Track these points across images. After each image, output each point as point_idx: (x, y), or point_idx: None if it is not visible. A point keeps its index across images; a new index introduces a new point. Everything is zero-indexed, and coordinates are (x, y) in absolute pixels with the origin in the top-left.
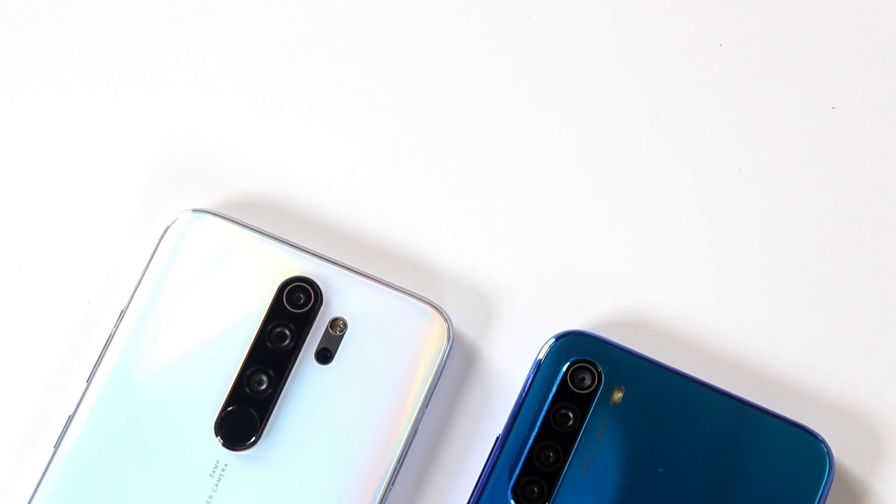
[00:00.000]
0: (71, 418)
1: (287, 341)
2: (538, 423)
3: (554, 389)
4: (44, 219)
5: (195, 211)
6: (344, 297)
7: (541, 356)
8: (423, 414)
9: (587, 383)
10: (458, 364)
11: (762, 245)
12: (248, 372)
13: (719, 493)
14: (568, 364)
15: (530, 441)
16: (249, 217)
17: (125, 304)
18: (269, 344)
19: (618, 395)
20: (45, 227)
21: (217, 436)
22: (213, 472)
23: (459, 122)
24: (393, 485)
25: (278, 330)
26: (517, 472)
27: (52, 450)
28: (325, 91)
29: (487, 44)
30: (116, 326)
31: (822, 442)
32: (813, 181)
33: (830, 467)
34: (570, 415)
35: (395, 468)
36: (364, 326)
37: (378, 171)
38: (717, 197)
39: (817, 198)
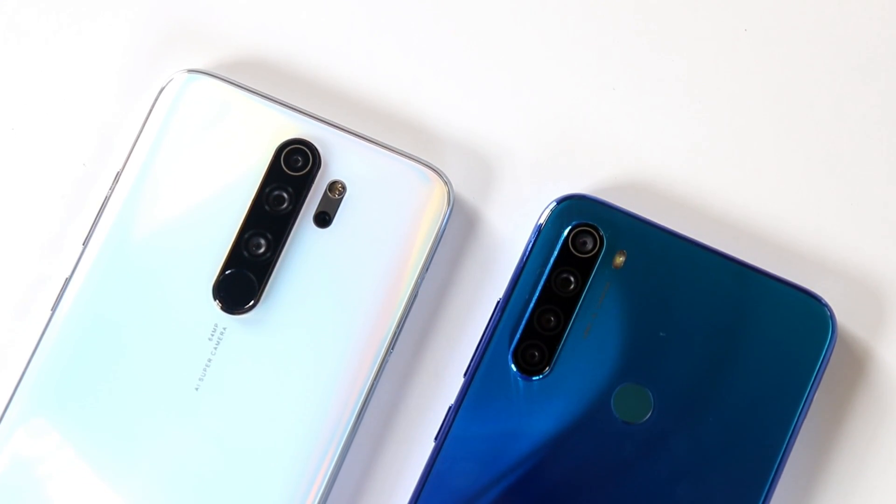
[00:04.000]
0: (68, 281)
1: (285, 204)
2: (539, 288)
3: (555, 253)
4: (37, 78)
5: (190, 71)
6: (343, 160)
7: (542, 220)
8: (423, 278)
9: (589, 247)
10: (458, 228)
11: (768, 107)
12: (246, 235)
13: (721, 357)
14: (569, 228)
15: (531, 305)
16: (246, 78)
17: (121, 166)
18: (266, 207)
19: (619, 259)
20: (39, 86)
21: (215, 299)
22: (212, 335)
23: None
24: (393, 349)
25: (276, 193)
26: (518, 336)
27: (50, 312)
28: None
29: None
30: (112, 189)
31: (825, 305)
32: (821, 41)
33: (833, 331)
34: (572, 279)
35: (395, 333)
36: (363, 190)
37: (377, 32)
38: (723, 58)
39: (825, 58)
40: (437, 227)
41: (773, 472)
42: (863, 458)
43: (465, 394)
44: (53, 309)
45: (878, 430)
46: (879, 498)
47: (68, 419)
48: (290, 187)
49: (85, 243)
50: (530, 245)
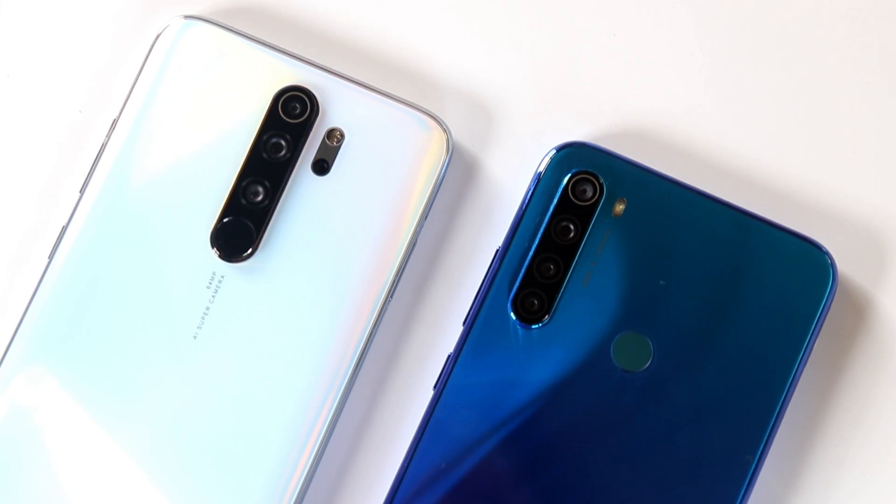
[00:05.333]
0: (65, 229)
1: (283, 152)
2: (538, 236)
3: (555, 201)
4: (32, 25)
5: (187, 18)
6: (341, 108)
7: (541, 168)
8: (422, 226)
9: (588, 195)
10: (457, 176)
11: (770, 55)
12: (244, 183)
13: (721, 305)
14: (569, 176)
15: (530, 253)
16: (243, 24)
17: (117, 114)
18: (264, 155)
19: (619, 207)
20: (34, 33)
21: (213, 247)
22: (210, 283)
23: None
24: (392, 297)
25: (274, 140)
26: (517, 284)
27: (47, 261)
28: None
29: None
30: (108, 136)
31: (826, 253)
32: None
33: (834, 279)
34: (571, 227)
35: (394, 281)
36: (361, 137)
37: None
38: (724, 4)
39: (827, 5)
40: (436, 175)
41: (772, 420)
42: (862, 406)
43: (464, 342)
44: (51, 257)
45: (878, 378)
46: (879, 444)
47: (66, 367)
48: (288, 135)
49: (82, 191)
50: (530, 193)
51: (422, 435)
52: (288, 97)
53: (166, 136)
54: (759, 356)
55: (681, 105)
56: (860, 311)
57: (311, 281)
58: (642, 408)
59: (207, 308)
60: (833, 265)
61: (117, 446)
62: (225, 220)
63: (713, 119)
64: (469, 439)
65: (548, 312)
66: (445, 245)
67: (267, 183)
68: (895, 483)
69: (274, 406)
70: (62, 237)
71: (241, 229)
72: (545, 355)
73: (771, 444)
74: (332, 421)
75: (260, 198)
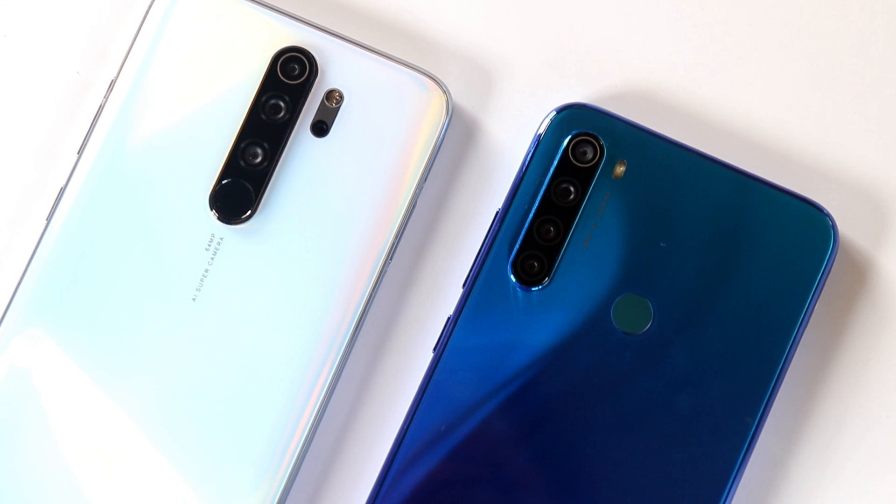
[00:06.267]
0: (63, 190)
1: (282, 113)
2: (539, 198)
3: (555, 163)
4: None
5: None
6: (340, 69)
7: (541, 129)
8: (422, 188)
9: (589, 157)
10: (457, 138)
11: (772, 15)
12: (243, 144)
13: (722, 268)
14: (569, 137)
15: (530, 215)
16: None
17: (115, 75)
18: (263, 116)
19: (620, 169)
20: None
21: (212, 209)
22: (209, 245)
23: None
24: (391, 259)
25: (273, 102)
26: (517, 246)
27: (45, 222)
28: None
29: None
30: (106, 97)
31: (827, 215)
32: None
33: (834, 241)
34: (572, 189)
35: (394, 243)
36: (361, 99)
37: None
38: None
39: None
40: (435, 137)
41: (772, 383)
42: (863, 368)
43: (463, 304)
44: (49, 218)
45: (879, 340)
46: (878, 407)
47: (65, 329)
48: (287, 96)
49: (80, 152)
50: (530, 155)
51: (421, 397)
52: (287, 58)
53: (164, 98)
54: (760, 318)
55: (682, 66)
56: (861, 272)
57: (310, 243)
58: (642, 370)
59: (206, 270)
60: (834, 227)
61: (116, 408)
62: (224, 181)
63: (714, 80)
64: (468, 402)
65: (548, 275)
66: (445, 207)
67: (266, 144)
68: (894, 445)
69: (273, 368)
70: (60, 198)
71: (239, 191)
72: (545, 318)
73: (771, 406)
74: (332, 383)
75: (259, 159)
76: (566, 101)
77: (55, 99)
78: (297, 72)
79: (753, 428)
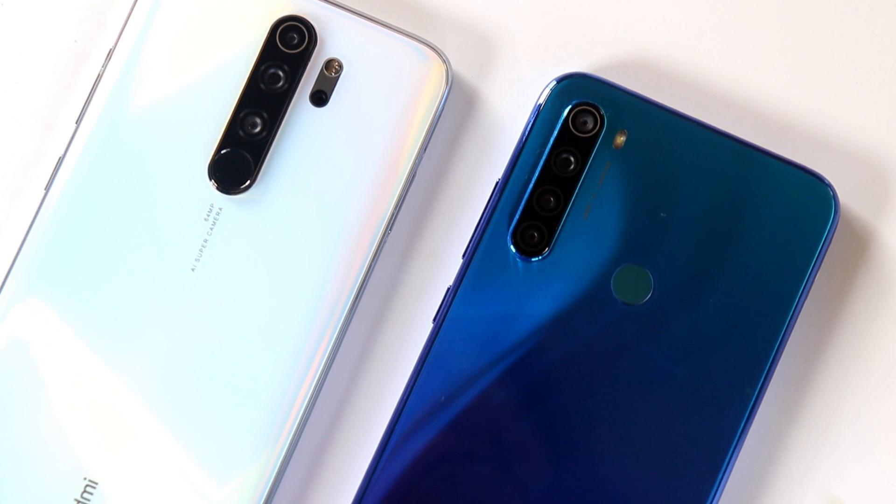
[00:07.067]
0: (61, 160)
1: (281, 83)
2: (539, 168)
3: (555, 133)
4: None
5: None
6: (339, 38)
7: (542, 99)
8: (421, 158)
9: (589, 127)
10: (456, 108)
11: None
12: (242, 114)
13: (722, 238)
14: (570, 107)
15: (530, 186)
16: None
17: (113, 43)
18: (262, 86)
19: (620, 139)
20: None
21: (211, 179)
22: (208, 215)
23: None
24: (391, 230)
25: (272, 71)
26: (517, 217)
27: (44, 192)
28: None
29: None
30: (105, 66)
31: (828, 185)
32: None
33: (835, 211)
34: (572, 159)
35: (393, 213)
36: (360, 68)
37: None
38: None
39: None
40: (435, 107)
41: (773, 353)
42: (863, 339)
43: (463, 275)
44: (47, 188)
45: (880, 310)
46: (879, 378)
47: (63, 299)
48: (286, 65)
49: (78, 122)
50: (530, 124)
51: (421, 368)
52: (286, 27)
53: (163, 67)
54: (761, 289)
55: (682, 36)
56: (862, 243)
57: (309, 213)
58: (642, 341)
59: (205, 240)
60: (835, 197)
61: (115, 377)
62: (223, 151)
63: (715, 50)
64: (468, 372)
65: (548, 245)
66: (445, 177)
67: (265, 114)
68: (894, 416)
69: (272, 338)
70: (58, 168)
71: (238, 161)
72: (545, 288)
73: (771, 377)
74: (332, 353)
75: (258, 129)
76: (566, 71)
77: (53, 68)
78: (296, 41)
79: (753, 398)
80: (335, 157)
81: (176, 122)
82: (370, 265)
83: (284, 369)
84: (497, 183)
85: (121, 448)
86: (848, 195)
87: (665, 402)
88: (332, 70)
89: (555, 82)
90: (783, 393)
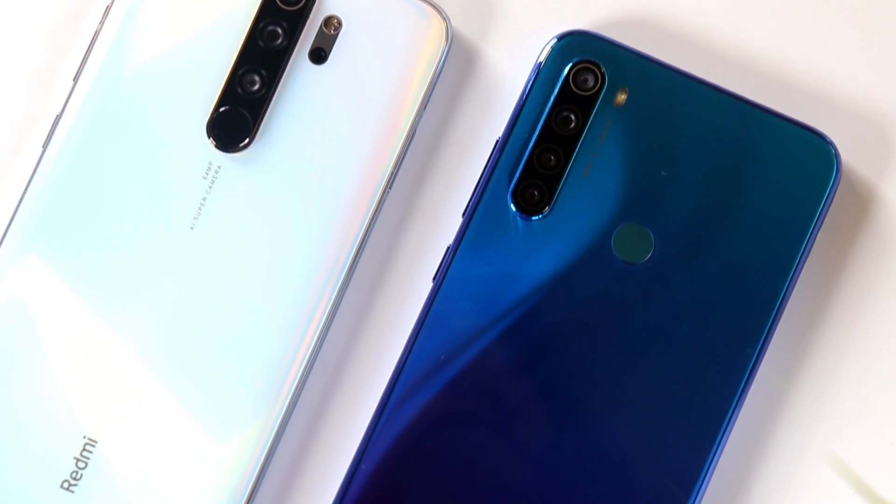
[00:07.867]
0: (58, 118)
1: (279, 40)
2: (539, 126)
3: (555, 91)
4: None
5: None
6: None
7: (542, 57)
8: (421, 117)
9: (590, 84)
10: (456, 65)
11: None
12: (240, 72)
13: (723, 196)
14: (570, 65)
15: (531, 144)
16: None
17: (110, 0)
18: (260, 43)
19: (621, 97)
20: None
21: (209, 137)
22: (207, 173)
23: None
24: (390, 189)
25: (270, 28)
26: (517, 175)
27: (41, 149)
28: None
29: None
30: (102, 23)
31: (830, 143)
32: None
33: (837, 169)
34: (572, 117)
35: (393, 172)
36: (359, 25)
37: None
38: None
39: None
40: (434, 65)
41: (773, 313)
42: (865, 299)
43: (463, 234)
44: (45, 146)
45: (882, 270)
46: (880, 339)
47: (61, 257)
48: (285, 22)
49: (75, 79)
50: (530, 83)
51: (420, 327)
52: None
53: (160, 24)
54: (762, 248)
55: None
56: (864, 202)
57: (308, 171)
58: (643, 300)
59: (204, 199)
60: (837, 155)
61: (114, 336)
62: (221, 109)
63: (717, 6)
64: (468, 332)
65: (548, 204)
66: (444, 136)
67: (263, 72)
68: (894, 376)
69: (272, 297)
70: (56, 126)
71: (237, 119)
72: (545, 247)
73: (772, 337)
74: (331, 312)
75: (256, 87)
76: (567, 28)
77: (50, 26)
78: None
79: (754, 358)
80: (334, 116)
81: (174, 79)
82: (370, 224)
83: (284, 328)
84: (497, 141)
85: (120, 407)
86: (850, 153)
87: (665, 361)
88: (331, 27)
89: (555, 40)
90: (784, 353)
